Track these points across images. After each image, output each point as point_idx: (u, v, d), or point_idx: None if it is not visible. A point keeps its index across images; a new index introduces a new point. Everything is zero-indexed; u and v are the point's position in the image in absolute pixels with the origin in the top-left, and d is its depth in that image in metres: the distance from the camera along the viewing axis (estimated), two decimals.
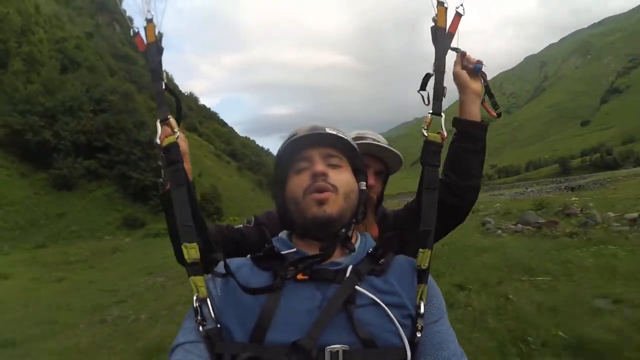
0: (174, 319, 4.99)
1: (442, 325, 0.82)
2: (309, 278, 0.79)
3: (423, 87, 0.97)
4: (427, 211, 0.88)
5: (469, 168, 1.11)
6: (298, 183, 0.86)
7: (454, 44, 0.98)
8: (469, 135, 1.10)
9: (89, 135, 38.13)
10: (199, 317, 0.77)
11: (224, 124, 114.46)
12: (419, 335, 0.77)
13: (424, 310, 0.80)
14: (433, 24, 0.94)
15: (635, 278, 4.28)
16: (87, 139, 38.06)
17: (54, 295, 7.41)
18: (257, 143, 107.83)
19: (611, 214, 8.28)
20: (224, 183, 56.22)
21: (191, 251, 0.81)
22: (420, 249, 0.85)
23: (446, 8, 0.93)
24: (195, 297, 0.79)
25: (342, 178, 0.87)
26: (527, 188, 43.90)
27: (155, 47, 0.90)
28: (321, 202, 0.82)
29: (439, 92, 0.93)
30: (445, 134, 0.92)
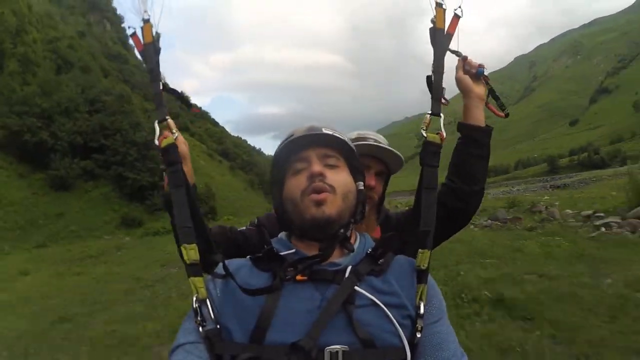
0: None
1: (442, 326, 0.82)
2: (308, 279, 0.79)
3: (430, 89, 0.96)
4: (427, 211, 0.88)
5: (473, 173, 1.11)
6: (295, 184, 0.87)
7: (453, 46, 0.98)
8: (473, 140, 1.10)
9: (84, 136, 38.41)
10: (198, 318, 0.78)
11: (216, 124, 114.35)
12: (418, 335, 0.78)
13: (424, 311, 0.80)
14: (432, 25, 0.95)
15: (567, 262, 5.35)
16: (83, 139, 38.37)
17: (81, 285, 7.99)
18: (248, 143, 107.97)
19: (569, 211, 9.38)
20: (216, 183, 56.51)
21: (190, 252, 0.82)
22: (420, 250, 0.85)
23: (444, 9, 0.94)
24: (194, 298, 0.80)
25: (340, 178, 0.87)
26: (513, 187, 44.94)
27: (152, 47, 0.91)
28: (319, 203, 0.82)
29: (438, 92, 0.93)
30: (445, 134, 0.92)
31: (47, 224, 29.95)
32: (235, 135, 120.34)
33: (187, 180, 0.91)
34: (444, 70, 0.95)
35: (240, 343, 0.75)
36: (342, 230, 0.85)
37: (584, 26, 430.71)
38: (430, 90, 0.95)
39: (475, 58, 1.08)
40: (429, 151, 0.92)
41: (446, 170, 1.16)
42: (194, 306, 0.79)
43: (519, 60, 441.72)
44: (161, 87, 0.92)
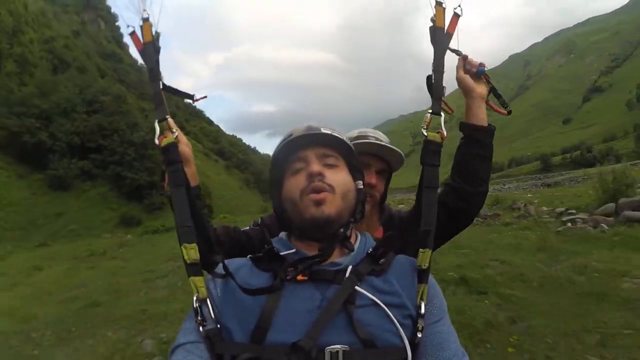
0: None
1: (443, 326, 0.82)
2: (309, 279, 0.79)
3: (430, 90, 0.96)
4: (428, 211, 0.88)
5: (477, 173, 1.11)
6: (295, 184, 0.86)
7: (453, 45, 0.98)
8: (476, 140, 1.10)
9: (82, 137, 39.00)
10: (199, 318, 0.78)
11: (211, 122, 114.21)
12: (419, 335, 0.77)
13: (425, 311, 0.80)
14: (431, 24, 0.95)
15: (531, 252, 6.11)
16: (81, 140, 38.93)
17: (98, 277, 8.32)
18: (244, 141, 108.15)
19: (545, 208, 10.18)
20: (212, 181, 56.95)
21: (190, 252, 0.82)
22: (421, 249, 0.85)
23: (444, 8, 0.94)
24: (195, 298, 0.80)
25: (339, 178, 0.87)
26: (504, 185, 45.81)
27: (152, 47, 0.90)
28: (319, 203, 0.82)
29: (438, 91, 0.93)
30: (445, 133, 0.91)
31: (46, 224, 30.45)
32: (230, 133, 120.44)
33: (188, 179, 0.91)
34: (444, 70, 0.95)
35: (240, 343, 0.75)
36: (341, 230, 0.85)
37: (577, 25, 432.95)
38: (429, 90, 0.96)
39: (470, 56, 1.08)
40: (429, 150, 0.92)
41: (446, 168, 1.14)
42: (195, 306, 0.79)
43: (513, 58, 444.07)
44: (161, 87, 0.92)
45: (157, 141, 0.88)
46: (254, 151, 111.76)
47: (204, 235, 0.92)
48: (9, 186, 33.23)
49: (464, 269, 5.15)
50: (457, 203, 1.11)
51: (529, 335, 3.17)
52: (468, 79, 1.09)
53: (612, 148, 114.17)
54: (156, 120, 0.89)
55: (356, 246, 0.88)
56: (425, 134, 0.92)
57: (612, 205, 8.48)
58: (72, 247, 17.73)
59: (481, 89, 1.11)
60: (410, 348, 0.74)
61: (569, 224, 7.85)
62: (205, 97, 1.07)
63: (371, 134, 1.30)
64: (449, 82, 0.98)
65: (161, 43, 0.93)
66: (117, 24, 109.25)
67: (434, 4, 0.94)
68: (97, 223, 32.71)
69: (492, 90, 1.12)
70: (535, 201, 11.94)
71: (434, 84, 0.94)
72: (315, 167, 0.85)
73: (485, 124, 1.10)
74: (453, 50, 0.99)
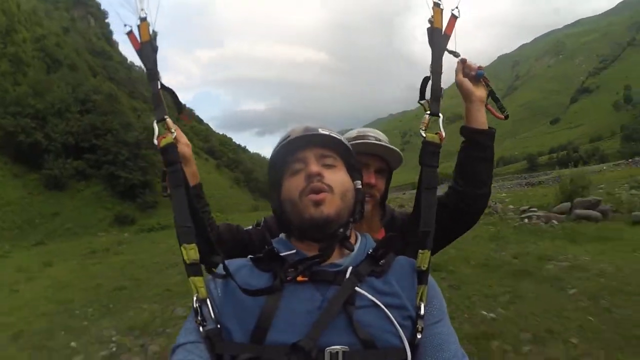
0: None
1: (442, 327, 0.82)
2: (309, 279, 0.80)
3: (422, 90, 0.97)
4: (427, 212, 0.88)
5: (478, 176, 1.12)
6: (294, 185, 0.87)
7: (450, 47, 0.97)
8: (477, 143, 1.11)
9: (76, 136, 39.26)
10: (199, 318, 0.78)
11: (200, 121, 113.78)
12: (419, 336, 0.78)
13: (424, 312, 0.81)
14: (429, 25, 0.94)
15: (486, 241, 7.22)
16: (75, 139, 39.20)
17: (112, 270, 8.76)
18: (233, 140, 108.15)
19: (511, 207, 11.33)
20: (203, 180, 56.51)
21: (190, 252, 0.82)
22: (420, 250, 0.85)
23: (442, 9, 0.94)
24: (195, 298, 0.80)
25: (338, 178, 0.87)
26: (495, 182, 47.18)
27: (150, 46, 0.90)
28: (318, 203, 0.82)
29: (437, 93, 0.93)
30: (444, 134, 0.92)
31: (43, 223, 30.76)
32: (219, 132, 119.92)
33: (187, 180, 0.89)
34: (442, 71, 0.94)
35: (240, 343, 0.75)
36: (341, 230, 0.85)
37: (567, 27, 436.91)
38: (423, 91, 0.96)
39: (464, 57, 1.06)
40: (428, 151, 0.91)
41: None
42: (195, 306, 0.80)
43: (503, 59, 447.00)
44: (159, 86, 0.89)
45: (155, 141, 0.88)
46: (244, 150, 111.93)
47: (204, 235, 0.90)
48: (5, 186, 33.05)
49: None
50: (460, 205, 1.13)
51: (459, 295, 4.27)
52: (467, 82, 1.10)
53: (598, 148, 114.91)
54: (155, 121, 0.89)
55: (356, 247, 0.89)
56: (424, 135, 0.92)
57: (567, 204, 9.63)
58: (71, 245, 18.32)
59: (480, 92, 1.12)
60: (410, 349, 0.75)
61: (526, 220, 8.99)
62: (191, 121, 1.35)
63: (371, 134, 1.31)
64: (443, 82, 0.98)
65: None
66: (106, 20, 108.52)
67: (431, 5, 0.94)
68: (92, 222, 33.06)
69: (491, 93, 1.13)
70: (506, 200, 13.11)
71: (432, 85, 0.94)
72: (314, 167, 0.85)
73: (485, 127, 1.12)
74: (450, 52, 0.99)
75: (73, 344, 4.20)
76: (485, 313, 3.75)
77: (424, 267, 0.84)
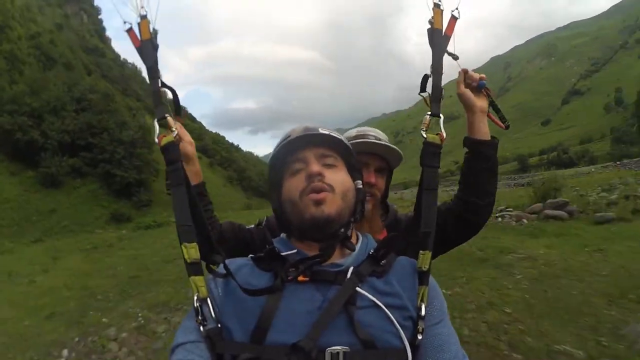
0: None
1: (443, 328, 0.83)
2: (310, 279, 0.80)
3: (423, 88, 0.96)
4: (427, 212, 0.88)
5: (483, 186, 1.14)
6: (294, 185, 0.87)
7: (450, 48, 0.97)
8: (481, 154, 1.12)
9: (72, 135, 39.42)
10: (199, 317, 0.79)
11: (194, 119, 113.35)
12: (419, 337, 0.78)
13: (425, 312, 0.81)
14: (429, 26, 0.94)
15: None
16: (71, 138, 39.37)
17: (120, 263, 9.25)
18: (226, 139, 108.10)
19: None
20: None
21: (191, 251, 0.82)
22: (421, 251, 0.85)
23: (442, 10, 0.94)
24: (195, 297, 0.81)
25: (338, 178, 0.88)
26: None
27: (150, 44, 0.89)
28: (318, 203, 0.83)
29: (437, 93, 0.93)
30: (445, 134, 0.92)
31: (40, 220, 31.00)
32: (211, 130, 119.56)
33: (188, 178, 0.88)
34: (442, 71, 0.93)
35: (240, 343, 0.76)
36: (342, 230, 0.86)
37: (559, 29, 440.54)
38: (422, 90, 0.96)
39: (462, 60, 1.01)
40: (428, 152, 0.91)
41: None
42: (195, 305, 0.80)
43: (495, 60, 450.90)
44: (160, 85, 0.88)
45: (156, 140, 0.88)
46: (237, 149, 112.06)
47: (205, 233, 0.90)
48: (2, 183, 33.25)
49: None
50: (465, 214, 1.15)
51: None
52: (469, 93, 1.11)
53: (588, 150, 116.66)
54: (155, 119, 0.89)
55: (357, 247, 0.90)
56: (425, 135, 0.92)
57: (540, 205, 10.53)
58: (71, 242, 18.73)
59: (482, 103, 1.12)
60: (411, 349, 0.75)
61: (500, 219, 9.87)
62: (183, 122, 1.09)
63: (371, 133, 1.31)
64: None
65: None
66: (99, 17, 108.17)
67: (431, 6, 0.93)
68: (89, 220, 33.30)
69: (492, 104, 1.14)
70: None
71: (432, 86, 0.93)
72: (315, 167, 0.86)
73: (488, 137, 1.12)
74: (450, 54, 0.99)
75: (104, 319, 4.96)
76: (444, 291, 4.55)
77: (424, 267, 0.85)
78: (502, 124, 1.17)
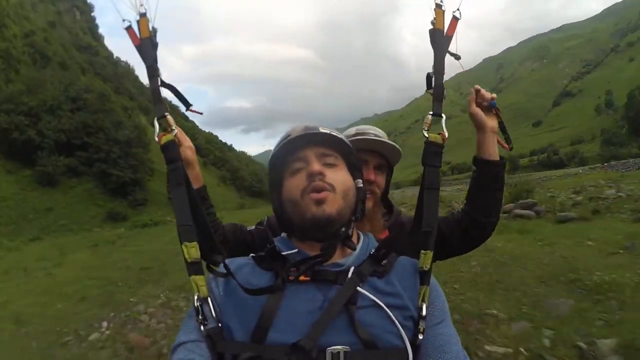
0: None
1: (444, 328, 0.83)
2: (311, 279, 0.80)
3: (429, 85, 0.95)
4: (429, 212, 0.88)
5: (490, 205, 1.15)
6: (295, 184, 0.87)
7: (451, 49, 0.97)
8: (489, 174, 1.13)
9: (68, 134, 39.93)
10: (200, 317, 0.79)
11: (186, 118, 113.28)
12: (420, 337, 0.78)
13: (426, 312, 0.81)
14: (431, 26, 0.94)
15: None
16: (67, 137, 39.87)
17: (130, 256, 9.71)
18: (220, 139, 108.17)
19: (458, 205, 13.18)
20: None
21: (191, 250, 0.82)
22: (422, 251, 0.85)
23: (444, 11, 0.94)
24: (196, 297, 0.81)
25: (339, 177, 0.87)
26: (467, 184, 49.24)
27: (150, 42, 0.88)
28: (319, 202, 0.82)
29: (439, 93, 0.93)
30: (447, 134, 0.92)
31: (37, 218, 31.60)
32: (204, 129, 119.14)
33: (188, 177, 0.89)
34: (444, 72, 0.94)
35: (241, 342, 0.76)
36: (343, 229, 0.85)
37: (552, 31, 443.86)
38: (429, 88, 0.95)
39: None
40: (430, 151, 0.91)
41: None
42: (196, 304, 0.80)
43: (488, 61, 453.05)
44: (159, 83, 0.88)
45: (156, 138, 0.88)
46: (230, 148, 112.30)
47: (206, 232, 0.89)
48: (0, 181, 33.68)
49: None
50: (472, 231, 1.18)
51: None
52: (481, 113, 1.12)
53: (578, 151, 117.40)
54: (155, 118, 0.89)
55: (359, 246, 0.89)
56: (427, 135, 0.91)
57: (512, 204, 11.48)
58: (71, 239, 19.00)
59: (492, 123, 1.13)
60: (412, 349, 0.75)
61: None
62: (202, 113, 1.09)
63: (370, 131, 1.32)
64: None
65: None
66: (92, 14, 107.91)
67: (433, 6, 0.94)
68: (85, 218, 33.85)
69: (501, 124, 1.15)
70: (461, 199, 15.00)
71: (434, 86, 0.93)
72: (316, 166, 0.85)
73: (496, 158, 1.13)
74: (452, 54, 0.98)
75: (132, 299, 5.79)
76: None
77: (426, 267, 0.85)
78: (506, 146, 1.18)
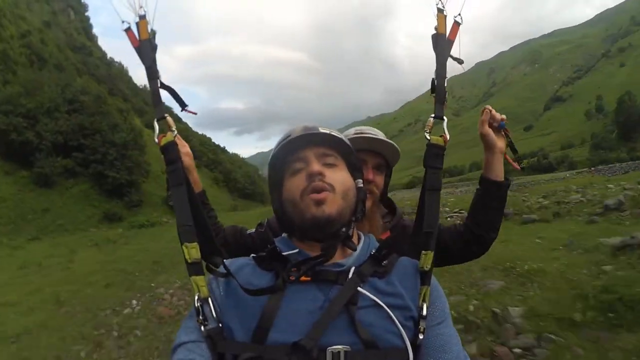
0: None
1: (445, 328, 0.83)
2: (312, 279, 0.80)
3: (433, 90, 0.96)
4: (430, 213, 0.89)
5: (492, 223, 1.20)
6: (295, 184, 0.87)
7: (453, 53, 0.98)
8: (494, 194, 1.17)
9: (65, 135, 40.00)
10: (200, 317, 0.79)
11: (179, 119, 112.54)
12: (421, 337, 0.78)
13: (427, 313, 0.81)
14: (435, 31, 0.95)
15: None
16: (64, 138, 39.92)
17: (138, 253, 10.36)
18: (213, 141, 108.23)
19: (447, 209, 14.25)
20: None
21: (192, 251, 0.83)
22: (423, 251, 0.86)
23: (445, 15, 0.95)
24: (196, 297, 0.81)
25: (339, 177, 0.88)
26: (457, 188, 50.12)
27: (149, 44, 0.89)
28: (319, 202, 0.82)
29: (441, 96, 0.94)
30: (448, 136, 0.93)
31: (35, 219, 31.79)
32: (197, 130, 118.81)
33: (188, 178, 0.90)
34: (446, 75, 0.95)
35: (242, 342, 0.76)
36: (343, 230, 0.85)
37: (544, 36, 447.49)
38: (433, 92, 0.95)
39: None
40: (432, 153, 0.92)
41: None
42: (196, 305, 0.80)
43: (480, 66, 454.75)
44: (159, 85, 0.89)
45: (156, 140, 0.89)
46: (224, 150, 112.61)
47: (206, 233, 0.90)
48: None
49: None
50: (472, 245, 1.23)
51: None
52: (492, 134, 1.15)
53: (568, 155, 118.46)
54: (155, 119, 0.89)
55: (359, 247, 0.90)
56: (429, 137, 0.93)
57: None
58: (70, 239, 19.39)
59: (501, 143, 1.17)
60: (412, 349, 0.76)
61: (449, 218, 11.93)
62: (196, 113, 1.09)
63: (368, 131, 1.34)
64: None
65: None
66: (86, 14, 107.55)
67: (435, 11, 0.95)
68: (82, 219, 34.15)
69: (510, 144, 1.19)
70: (448, 203, 16.07)
71: (436, 89, 0.94)
72: (315, 166, 0.86)
73: (502, 178, 1.18)
74: (455, 59, 0.99)
75: (152, 284, 6.76)
76: None
77: (426, 268, 0.85)
78: (517, 165, 1.20)
